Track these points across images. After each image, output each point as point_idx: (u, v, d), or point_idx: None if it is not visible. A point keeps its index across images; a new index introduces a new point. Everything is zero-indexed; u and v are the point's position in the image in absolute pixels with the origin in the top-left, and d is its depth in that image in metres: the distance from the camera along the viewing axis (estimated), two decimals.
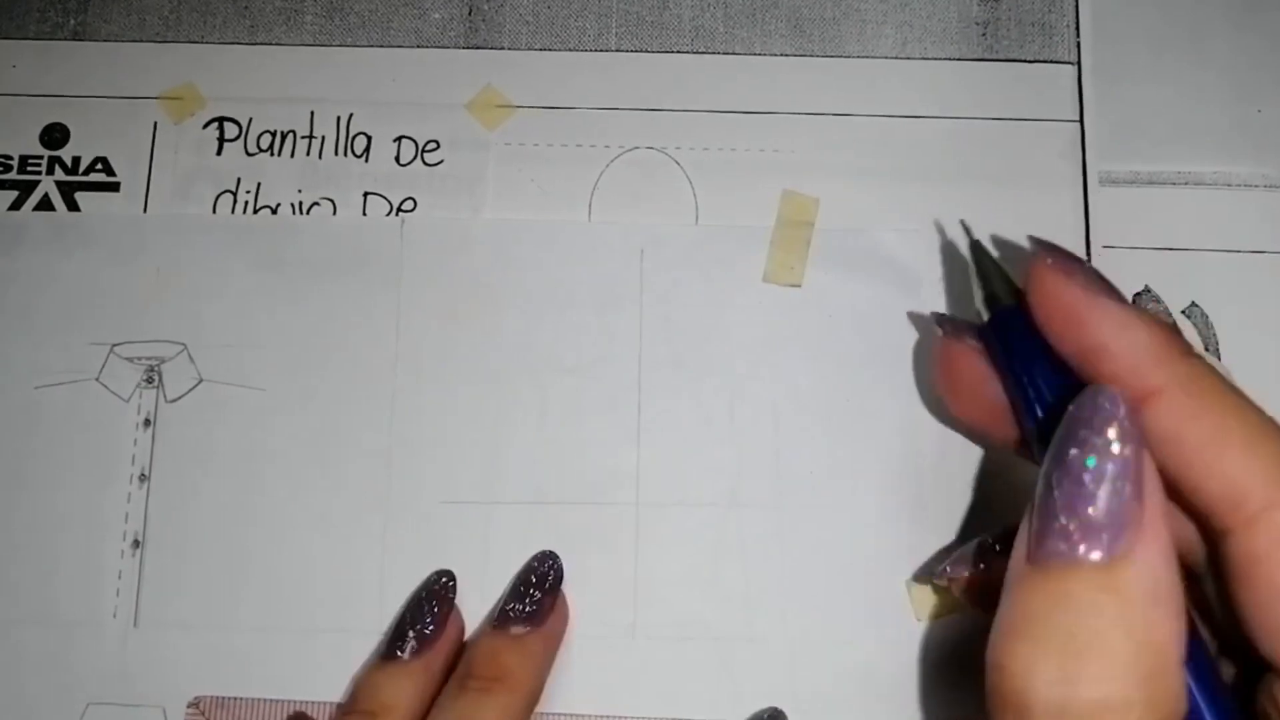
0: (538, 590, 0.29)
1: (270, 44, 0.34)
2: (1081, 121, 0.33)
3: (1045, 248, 0.25)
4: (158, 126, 0.33)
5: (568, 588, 0.30)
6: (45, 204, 0.33)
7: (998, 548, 0.27)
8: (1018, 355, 0.25)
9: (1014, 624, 0.20)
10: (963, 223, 0.29)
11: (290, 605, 0.30)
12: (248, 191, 0.33)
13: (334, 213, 0.33)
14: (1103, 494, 0.20)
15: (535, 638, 0.28)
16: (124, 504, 0.31)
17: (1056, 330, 0.24)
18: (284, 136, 0.33)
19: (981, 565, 0.27)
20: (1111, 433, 0.20)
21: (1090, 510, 0.20)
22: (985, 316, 0.27)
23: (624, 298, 0.32)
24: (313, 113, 0.33)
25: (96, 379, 0.31)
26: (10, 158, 0.33)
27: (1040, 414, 0.25)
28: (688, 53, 0.34)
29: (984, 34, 0.34)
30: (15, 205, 0.33)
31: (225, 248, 0.32)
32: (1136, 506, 0.20)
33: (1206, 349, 0.31)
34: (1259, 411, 0.22)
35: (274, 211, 0.33)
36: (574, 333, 0.32)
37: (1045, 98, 0.33)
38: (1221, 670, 0.23)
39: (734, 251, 0.32)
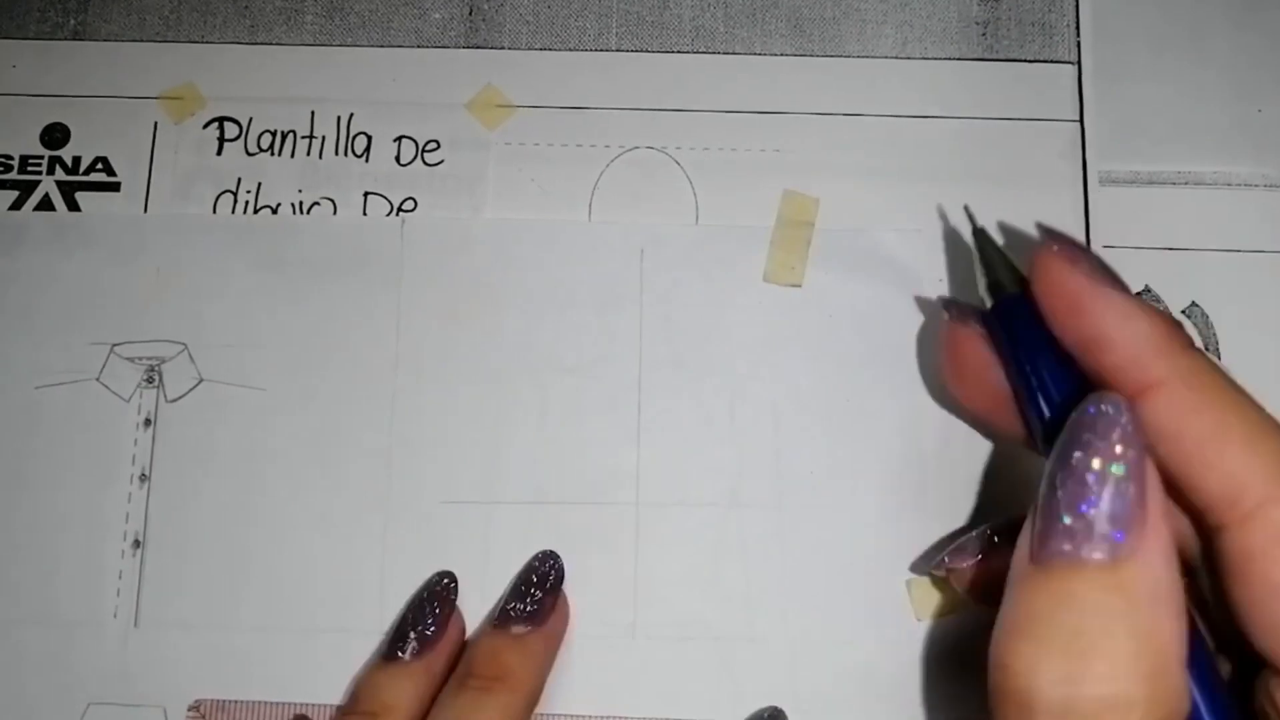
0: (538, 590, 0.29)
1: (270, 44, 0.34)
2: (1082, 121, 0.33)
3: (1052, 235, 0.25)
4: (158, 126, 0.33)
5: (568, 587, 0.30)
6: (46, 204, 0.33)
7: (996, 539, 0.27)
8: (1021, 343, 0.25)
9: (1017, 623, 0.20)
10: (966, 209, 0.29)
11: (291, 605, 0.30)
12: (248, 191, 0.33)
13: (334, 213, 0.33)
14: (1106, 495, 0.20)
15: (536, 637, 0.28)
16: (124, 504, 0.31)
17: (1060, 318, 0.24)
18: (284, 136, 0.33)
19: (980, 557, 0.27)
20: (1115, 435, 0.20)
21: (1094, 511, 0.20)
22: (988, 304, 0.27)
23: (624, 297, 0.32)
24: (313, 112, 0.33)
25: (97, 379, 0.31)
26: (11, 158, 0.33)
27: (1043, 403, 0.25)
28: (688, 52, 0.34)
29: (984, 34, 0.34)
30: (16, 205, 0.33)
31: (226, 248, 0.32)
32: (1140, 508, 0.20)
33: (1207, 348, 0.31)
34: (1258, 408, 0.22)
35: (274, 211, 0.33)
36: (574, 333, 0.32)
37: (1045, 97, 0.33)
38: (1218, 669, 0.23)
39: (734, 251, 0.32)
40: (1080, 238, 0.32)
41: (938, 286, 0.32)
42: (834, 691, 0.29)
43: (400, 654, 0.28)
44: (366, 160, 0.33)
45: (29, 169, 0.33)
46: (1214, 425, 0.22)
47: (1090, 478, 0.20)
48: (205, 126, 0.33)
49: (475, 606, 0.30)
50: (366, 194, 0.33)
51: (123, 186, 0.33)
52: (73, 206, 0.33)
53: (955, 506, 0.30)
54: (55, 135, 0.33)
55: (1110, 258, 0.31)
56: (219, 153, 0.33)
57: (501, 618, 0.28)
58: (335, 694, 0.29)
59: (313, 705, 0.29)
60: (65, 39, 0.34)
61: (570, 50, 0.34)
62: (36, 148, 0.33)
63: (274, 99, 0.34)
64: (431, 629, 0.28)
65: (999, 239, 0.28)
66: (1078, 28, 0.34)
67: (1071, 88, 0.33)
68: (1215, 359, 0.31)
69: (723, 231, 0.32)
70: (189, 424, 0.31)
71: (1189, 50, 0.33)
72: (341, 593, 0.30)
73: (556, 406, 0.31)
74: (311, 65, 0.34)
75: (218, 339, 0.32)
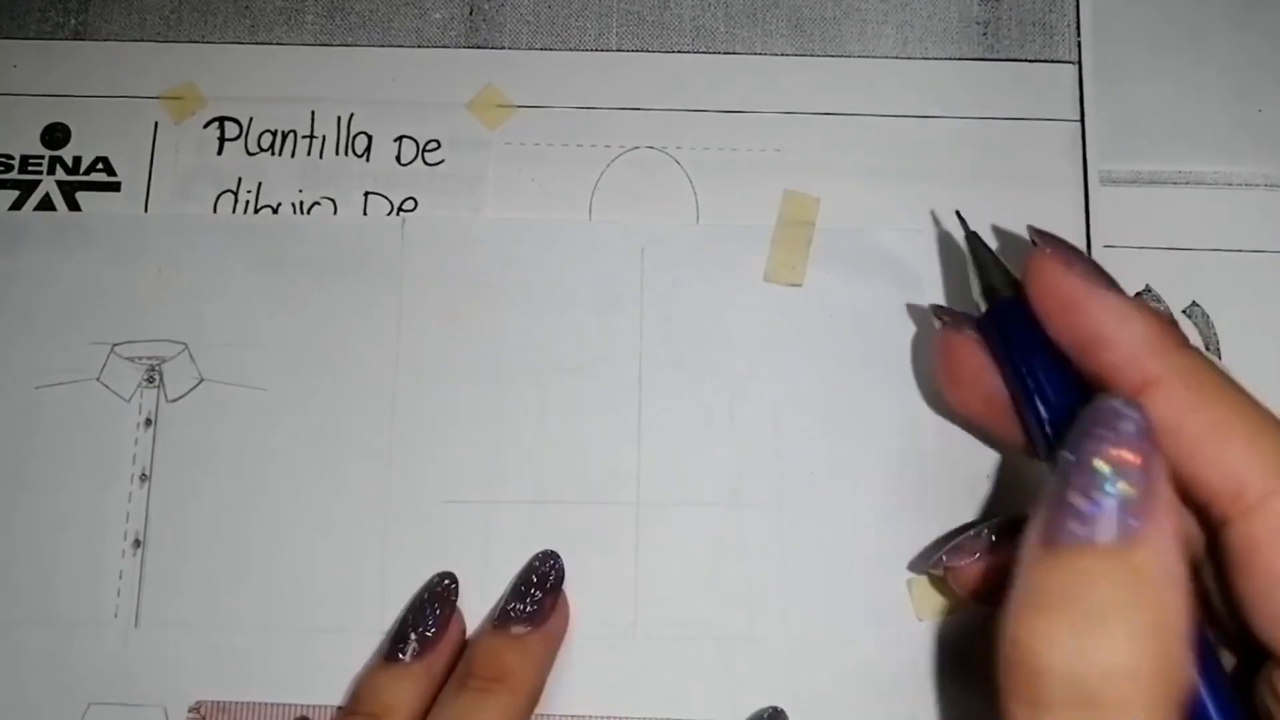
0: (539, 590, 0.29)
1: (271, 44, 0.34)
2: (1082, 121, 0.33)
3: (1044, 238, 0.25)
4: (158, 126, 0.33)
5: (568, 587, 0.30)
6: (46, 204, 0.33)
7: (995, 538, 0.27)
8: (1016, 346, 0.25)
9: (1029, 599, 0.21)
10: (958, 214, 0.29)
11: (291, 605, 0.30)
12: (248, 191, 0.33)
13: (335, 212, 0.33)
14: (1119, 484, 0.20)
15: (536, 637, 0.28)
16: (125, 504, 0.31)
17: (1055, 320, 0.24)
18: (285, 136, 0.33)
19: (978, 556, 0.27)
20: (1129, 428, 0.21)
21: (1107, 498, 0.20)
22: (983, 308, 0.27)
23: (624, 297, 0.32)
24: (313, 112, 0.33)
25: (97, 379, 0.32)
26: (11, 157, 0.33)
27: (1039, 405, 0.25)
28: (688, 52, 0.34)
29: (984, 33, 0.34)
30: (16, 205, 0.33)
31: (226, 247, 0.32)
32: (1151, 496, 0.20)
33: (1207, 348, 0.31)
34: (1256, 403, 0.23)
35: (275, 211, 0.33)
36: (574, 332, 0.32)
37: (1046, 97, 0.33)
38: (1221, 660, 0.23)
39: (735, 251, 0.32)
40: (1081, 237, 0.32)
41: (938, 286, 0.32)
42: (834, 691, 0.29)
43: (401, 655, 0.28)
44: (367, 160, 0.33)
45: (29, 169, 0.33)
46: (1213, 421, 0.22)
47: (1103, 467, 0.20)
48: (206, 126, 0.33)
49: (475, 606, 0.30)
50: (367, 194, 0.33)
51: (123, 186, 0.33)
52: (73, 206, 0.33)
53: (955, 506, 0.30)
54: (56, 135, 0.33)
55: (1111, 258, 0.32)
56: (219, 152, 0.33)
57: (502, 618, 0.28)
58: (335, 694, 0.29)
59: (313, 705, 0.29)
60: (66, 39, 0.34)
61: (571, 50, 0.34)
62: (37, 147, 0.33)
63: (274, 99, 0.34)
64: (432, 630, 0.28)
65: (996, 242, 0.28)
66: (1078, 28, 0.34)
67: (1072, 87, 0.33)
68: (1215, 358, 0.31)
69: (723, 231, 0.32)
70: (189, 424, 0.31)
71: (1189, 50, 0.33)
72: (342, 593, 0.30)
73: (557, 406, 0.31)
74: (312, 65, 0.34)
75: (218, 339, 0.32)
